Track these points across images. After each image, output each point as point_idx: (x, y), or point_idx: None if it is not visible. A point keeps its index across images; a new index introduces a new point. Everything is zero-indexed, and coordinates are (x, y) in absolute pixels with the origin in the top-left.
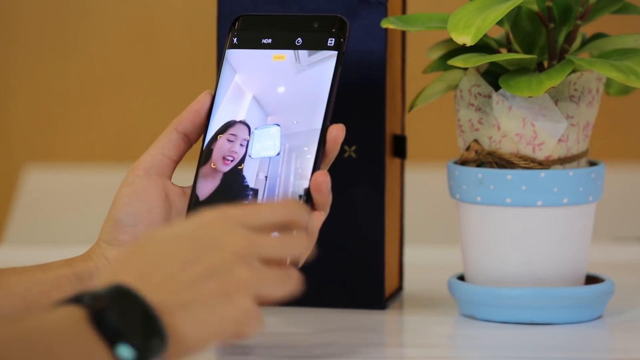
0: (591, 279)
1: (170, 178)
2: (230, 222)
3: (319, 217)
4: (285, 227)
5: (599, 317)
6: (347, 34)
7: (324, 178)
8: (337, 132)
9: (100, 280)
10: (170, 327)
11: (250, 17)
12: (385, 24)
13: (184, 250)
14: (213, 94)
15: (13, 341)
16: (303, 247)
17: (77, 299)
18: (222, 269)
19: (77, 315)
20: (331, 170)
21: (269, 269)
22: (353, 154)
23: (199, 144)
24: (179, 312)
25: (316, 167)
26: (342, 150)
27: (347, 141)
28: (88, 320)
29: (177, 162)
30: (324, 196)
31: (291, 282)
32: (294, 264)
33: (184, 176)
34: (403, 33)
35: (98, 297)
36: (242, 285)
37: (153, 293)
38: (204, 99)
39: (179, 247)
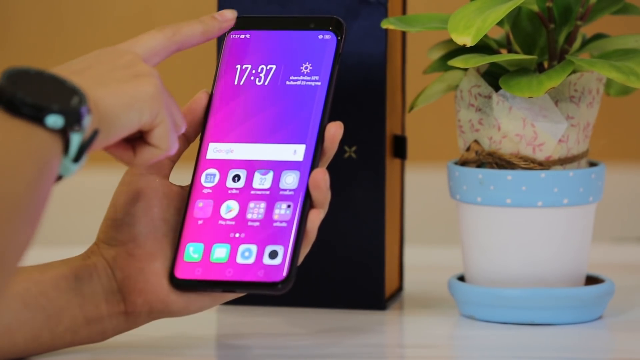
0: (591, 280)
1: (168, 177)
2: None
3: (317, 215)
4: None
5: (599, 318)
6: (344, 34)
7: (323, 175)
8: (336, 129)
9: None
10: (86, 95)
11: (246, 19)
12: (385, 24)
13: (90, 57)
14: (210, 92)
15: None
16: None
17: None
18: (128, 62)
19: None
20: (331, 171)
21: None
22: (353, 155)
23: (197, 142)
24: (90, 86)
25: (315, 164)
26: (342, 151)
27: (347, 142)
28: (6, 114)
29: (174, 162)
30: (323, 193)
31: (205, 20)
32: None
33: (181, 175)
34: (403, 33)
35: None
36: (150, 71)
37: (64, 71)
38: (201, 98)
39: (84, 57)
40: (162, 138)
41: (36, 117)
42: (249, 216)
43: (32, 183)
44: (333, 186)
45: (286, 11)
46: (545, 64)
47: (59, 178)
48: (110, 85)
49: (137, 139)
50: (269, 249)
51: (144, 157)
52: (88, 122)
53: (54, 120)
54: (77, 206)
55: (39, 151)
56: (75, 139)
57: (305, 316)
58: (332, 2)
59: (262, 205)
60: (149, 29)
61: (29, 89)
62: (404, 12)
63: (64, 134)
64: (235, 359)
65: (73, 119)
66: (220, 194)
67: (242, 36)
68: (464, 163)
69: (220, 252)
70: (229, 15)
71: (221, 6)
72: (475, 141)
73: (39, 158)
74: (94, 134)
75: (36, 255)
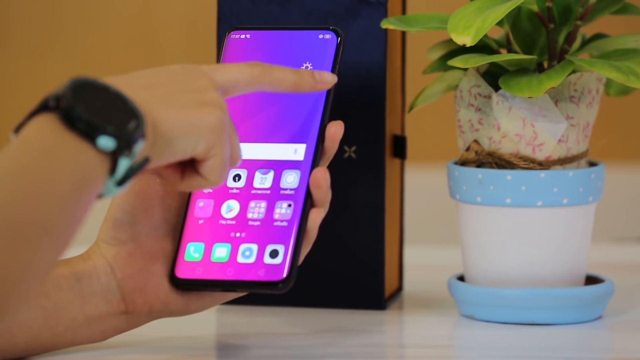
0: (591, 280)
1: None
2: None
3: (318, 214)
4: None
5: (599, 318)
6: (342, 45)
7: (323, 174)
8: (336, 128)
9: None
10: (145, 115)
11: (243, 29)
12: (385, 24)
13: (167, 73)
14: None
15: None
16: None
17: (42, 107)
18: (200, 88)
19: (48, 123)
20: (331, 171)
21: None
22: (353, 155)
23: None
24: (153, 104)
25: (315, 164)
26: (342, 151)
27: (347, 141)
28: (60, 124)
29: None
30: (323, 193)
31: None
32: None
33: None
34: (403, 33)
35: (61, 97)
36: (219, 102)
37: (128, 88)
38: None
39: (160, 71)
40: (213, 171)
41: (88, 135)
42: (249, 215)
43: (66, 201)
44: (333, 186)
45: (286, 11)
46: (545, 64)
47: (99, 196)
48: (174, 109)
49: (188, 165)
50: (269, 248)
51: (191, 184)
52: (140, 148)
53: (105, 142)
54: None
55: (82, 170)
56: (124, 164)
57: (305, 316)
58: (332, 2)
59: (263, 204)
60: (148, 29)
61: (90, 103)
62: (403, 12)
63: (113, 156)
64: (235, 359)
65: (125, 144)
66: (221, 193)
67: (242, 36)
68: (463, 163)
69: (220, 252)
70: (328, 79)
71: (221, 6)
72: (475, 141)
73: (80, 177)
74: (144, 161)
75: None
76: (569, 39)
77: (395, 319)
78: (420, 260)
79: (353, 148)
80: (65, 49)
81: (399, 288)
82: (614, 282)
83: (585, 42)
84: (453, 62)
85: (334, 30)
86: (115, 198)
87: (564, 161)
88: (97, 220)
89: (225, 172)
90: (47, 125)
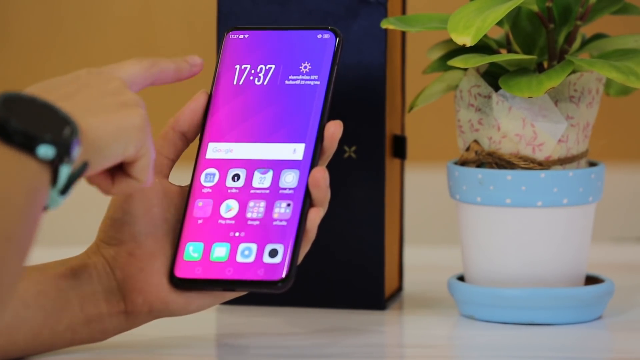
0: (591, 280)
1: (168, 177)
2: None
3: (317, 213)
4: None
5: (599, 318)
6: (341, 45)
7: (322, 174)
8: (335, 128)
9: None
10: (75, 122)
11: (241, 29)
12: (385, 24)
13: (78, 79)
14: (209, 93)
15: None
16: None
17: None
18: (115, 89)
19: None
20: (331, 171)
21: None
22: (353, 155)
23: (196, 142)
24: (77, 112)
25: (314, 163)
26: (342, 151)
27: (347, 142)
28: None
29: (174, 161)
30: (322, 192)
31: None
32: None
33: (181, 175)
34: (403, 33)
35: None
36: (137, 100)
37: (51, 96)
38: (200, 98)
39: (71, 78)
40: (143, 171)
41: (28, 146)
42: (248, 215)
43: (22, 212)
44: (332, 186)
45: (286, 11)
46: (545, 64)
47: (45, 209)
48: (100, 115)
49: (117, 169)
50: (268, 247)
51: (122, 187)
52: (77, 153)
53: (45, 151)
54: (77, 206)
55: (29, 181)
56: (64, 171)
57: (304, 316)
58: (332, 2)
59: (262, 204)
60: (148, 30)
61: (22, 115)
62: (403, 12)
63: (53, 164)
64: (235, 359)
65: (63, 151)
66: (220, 193)
67: (241, 36)
68: (463, 163)
69: (220, 251)
70: (197, 61)
71: (221, 6)
72: (475, 141)
73: (29, 188)
74: (83, 166)
75: (36, 255)
76: (569, 39)
77: (395, 319)
78: (420, 260)
79: (353, 148)
80: (65, 49)
81: (399, 288)
82: (614, 282)
83: (585, 42)
84: (453, 62)
85: (332, 30)
86: (114, 198)
87: (564, 161)
88: (96, 220)
89: (152, 170)
90: None
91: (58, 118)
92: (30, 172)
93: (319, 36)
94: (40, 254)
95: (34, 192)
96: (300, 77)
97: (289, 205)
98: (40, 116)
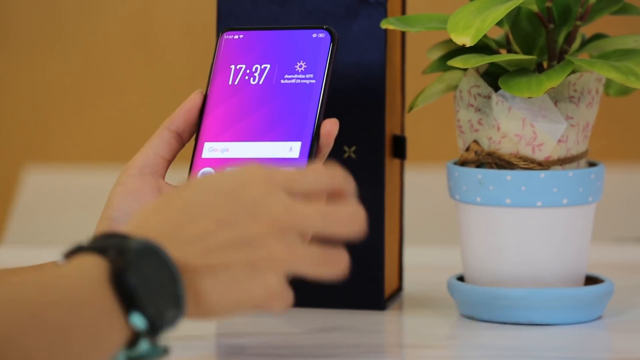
0: (591, 280)
1: (164, 177)
2: (274, 184)
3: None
4: (330, 199)
5: (599, 318)
6: (336, 44)
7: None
8: (331, 126)
9: (132, 223)
10: (190, 289)
11: (236, 30)
12: (384, 24)
13: (222, 208)
14: (205, 93)
15: (20, 301)
16: (349, 222)
17: (101, 248)
18: (257, 239)
19: (97, 270)
20: None
21: (309, 247)
22: (353, 155)
23: (192, 143)
24: (203, 277)
25: (310, 161)
26: (342, 151)
27: (346, 142)
28: (108, 279)
29: (170, 161)
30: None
31: (332, 263)
32: (340, 242)
33: (177, 175)
34: (403, 33)
35: (124, 252)
36: (273, 262)
37: (181, 251)
38: (195, 98)
39: (216, 203)
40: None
41: (126, 304)
42: None
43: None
44: None
45: (286, 11)
46: (545, 64)
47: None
48: (222, 282)
49: None
50: None
51: None
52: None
53: (137, 321)
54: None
55: (105, 332)
56: (143, 346)
57: (304, 316)
58: (332, 2)
59: None
60: (148, 29)
61: (144, 275)
62: (403, 12)
63: (137, 334)
64: (235, 358)
65: (153, 331)
66: None
67: (236, 36)
68: (463, 163)
69: None
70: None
71: (221, 6)
72: (475, 141)
73: (99, 337)
74: (163, 351)
75: (36, 255)
76: (569, 39)
77: (395, 319)
78: (420, 260)
79: (353, 148)
80: (65, 49)
81: (399, 288)
82: (613, 282)
83: (585, 42)
84: (453, 62)
85: (327, 30)
86: (110, 198)
87: (563, 161)
88: (95, 220)
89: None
90: (95, 269)
91: (174, 294)
92: (111, 325)
93: (314, 35)
94: (40, 254)
95: (101, 344)
96: (296, 76)
97: None
98: (160, 284)
